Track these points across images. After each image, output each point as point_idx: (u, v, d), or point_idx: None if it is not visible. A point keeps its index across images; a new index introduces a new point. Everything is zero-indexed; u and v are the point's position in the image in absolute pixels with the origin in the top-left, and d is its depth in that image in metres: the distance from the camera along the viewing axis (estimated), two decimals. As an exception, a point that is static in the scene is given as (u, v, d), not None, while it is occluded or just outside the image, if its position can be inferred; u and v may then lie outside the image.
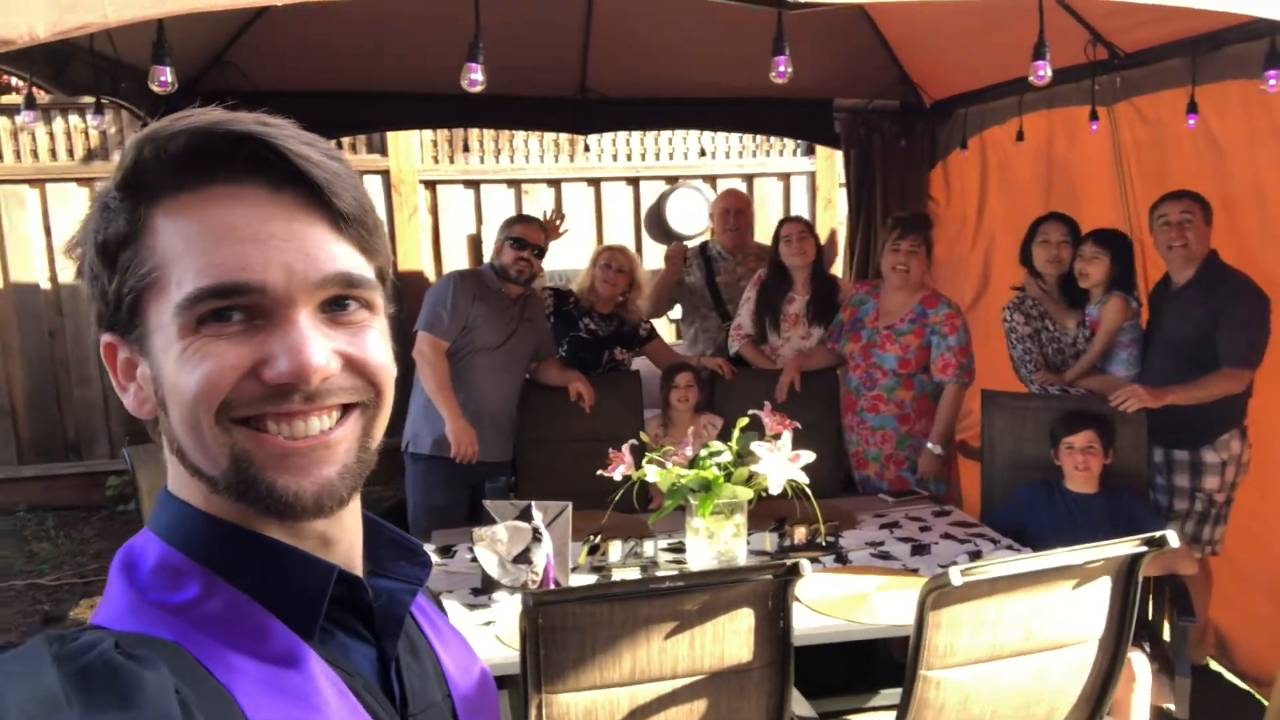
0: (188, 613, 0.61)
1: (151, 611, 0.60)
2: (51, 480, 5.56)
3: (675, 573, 2.51)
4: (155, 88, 2.10)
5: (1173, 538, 1.89)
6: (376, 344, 0.66)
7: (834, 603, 2.32)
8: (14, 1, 1.47)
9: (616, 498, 2.50)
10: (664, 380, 3.49)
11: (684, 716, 1.87)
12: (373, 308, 0.66)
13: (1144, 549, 1.93)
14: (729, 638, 1.86)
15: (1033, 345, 3.38)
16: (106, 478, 5.50)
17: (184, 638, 0.59)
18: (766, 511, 2.74)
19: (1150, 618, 2.82)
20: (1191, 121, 3.05)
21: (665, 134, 5.97)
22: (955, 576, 1.78)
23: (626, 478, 2.50)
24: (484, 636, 2.17)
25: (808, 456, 2.39)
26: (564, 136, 5.80)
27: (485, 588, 2.42)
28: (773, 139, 6.10)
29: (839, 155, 5.01)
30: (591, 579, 2.52)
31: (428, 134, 5.73)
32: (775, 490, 2.38)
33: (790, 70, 2.20)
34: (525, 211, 5.39)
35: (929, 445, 3.39)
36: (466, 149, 5.81)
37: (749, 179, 6.12)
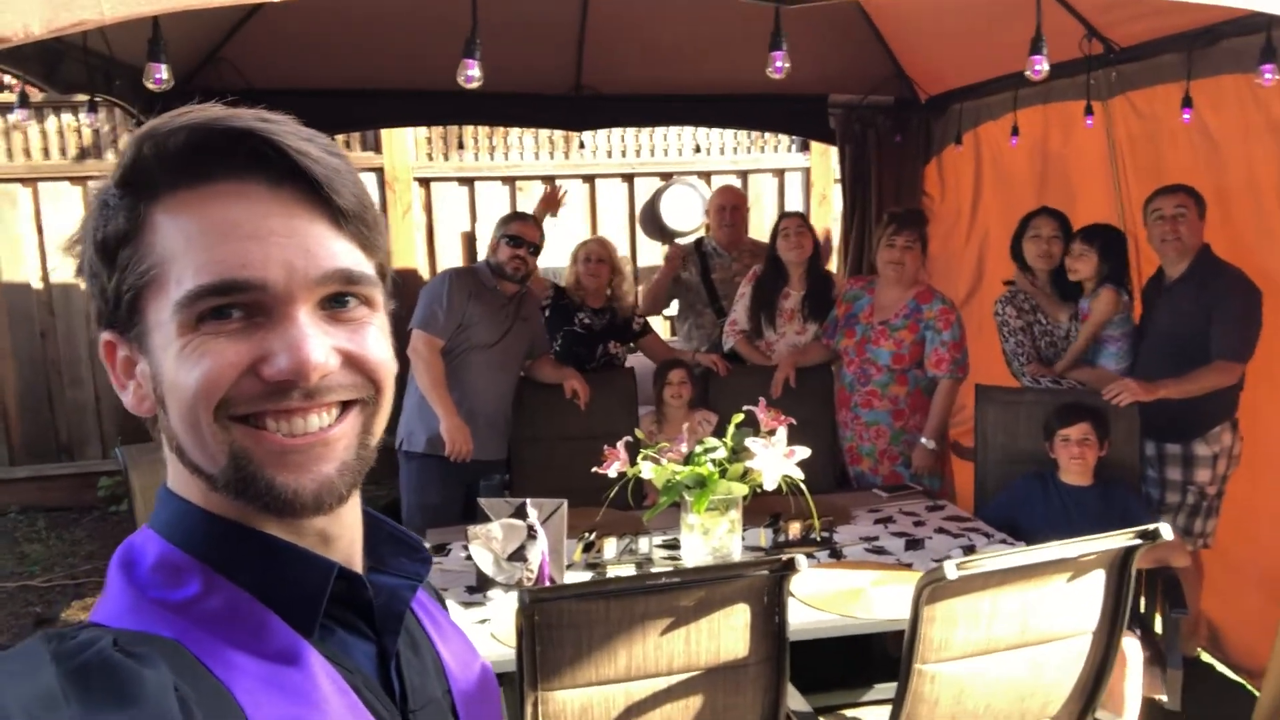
0: (187, 610, 0.61)
1: (151, 609, 0.61)
2: (43, 481, 5.53)
3: (671, 569, 2.51)
4: (151, 85, 2.10)
5: (1166, 530, 1.90)
6: (376, 341, 0.66)
7: (829, 598, 2.33)
8: (8, -1, 1.46)
9: (611, 495, 2.51)
10: (657, 377, 3.49)
11: (680, 712, 1.88)
12: (373, 304, 0.66)
13: (1138, 542, 1.94)
14: (725, 633, 1.86)
15: (1025, 339, 3.39)
16: (98, 478, 5.47)
17: (183, 635, 0.59)
18: (761, 507, 2.74)
19: (1142, 610, 2.84)
20: (1186, 116, 3.06)
21: (660, 130, 5.97)
22: (950, 570, 1.78)
23: (622, 474, 2.50)
24: (479, 634, 2.17)
25: (803, 452, 2.39)
26: (558, 133, 5.79)
27: (480, 586, 2.42)
28: (767, 135, 6.09)
29: (834, 151, 5.02)
30: (586, 576, 2.52)
31: (422, 131, 5.72)
32: (770, 486, 2.38)
33: (787, 66, 2.21)
34: (519, 209, 5.38)
35: (923, 440, 3.40)
36: (461, 146, 5.80)
37: (744, 175, 6.12)
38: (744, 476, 2.44)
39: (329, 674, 0.63)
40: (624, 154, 6.01)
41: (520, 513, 2.39)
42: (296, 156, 0.61)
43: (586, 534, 2.71)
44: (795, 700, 2.18)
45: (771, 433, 2.45)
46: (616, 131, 5.90)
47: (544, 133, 5.82)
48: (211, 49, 3.77)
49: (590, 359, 3.78)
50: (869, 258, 4.32)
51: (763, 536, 2.77)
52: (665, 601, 1.81)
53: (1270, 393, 3.01)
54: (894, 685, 1.97)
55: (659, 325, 5.17)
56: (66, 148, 5.44)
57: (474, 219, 5.82)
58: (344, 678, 0.64)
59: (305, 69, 3.93)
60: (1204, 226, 3.02)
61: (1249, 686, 3.15)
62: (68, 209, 5.44)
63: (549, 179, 5.89)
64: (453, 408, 3.23)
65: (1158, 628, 2.81)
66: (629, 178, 6.03)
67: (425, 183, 5.77)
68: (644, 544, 2.72)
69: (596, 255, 3.75)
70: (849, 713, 2.41)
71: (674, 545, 2.67)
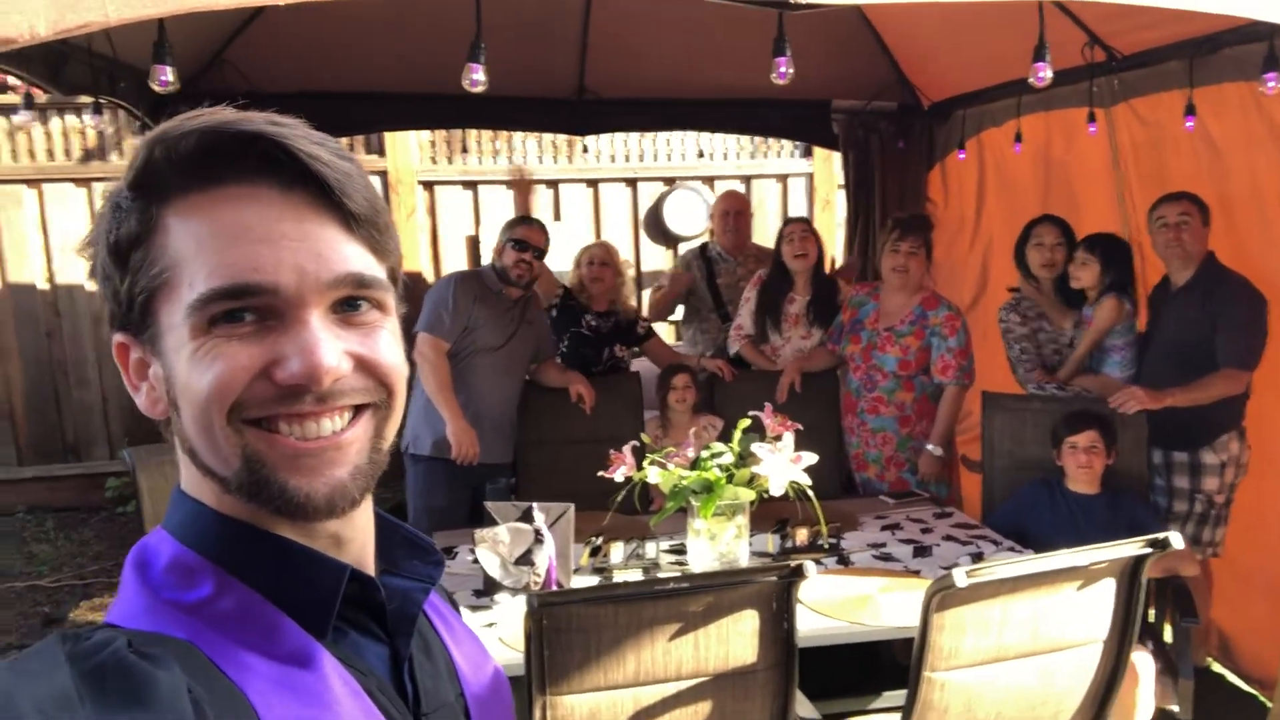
0: (200, 611, 0.61)
1: (165, 610, 0.60)
2: (51, 482, 5.54)
3: (679, 574, 2.50)
4: (156, 87, 2.10)
5: (1176, 539, 1.89)
6: (388, 344, 0.66)
7: (837, 604, 2.32)
8: (14, 0, 1.46)
9: (618, 499, 2.50)
10: (661, 381, 3.49)
11: (689, 718, 1.87)
12: (384, 308, 0.66)
13: (1148, 550, 1.93)
14: (733, 639, 1.85)
15: (1029, 346, 3.38)
16: (106, 479, 5.48)
17: (197, 636, 0.59)
18: (768, 513, 2.73)
19: (1152, 620, 2.83)
20: (1189, 124, 3.06)
21: (663, 135, 5.97)
22: (960, 578, 1.77)
23: (628, 479, 2.49)
24: (487, 638, 2.16)
25: (810, 458, 2.38)
26: (562, 137, 5.80)
27: (487, 589, 2.41)
28: (771, 140, 6.10)
29: (837, 157, 5.01)
30: (593, 581, 2.52)
31: (426, 135, 5.73)
32: (777, 492, 2.37)
33: (791, 71, 2.20)
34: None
35: (929, 447, 3.39)
36: (465, 150, 5.80)
37: (747, 180, 6.12)
38: (751, 482, 2.44)
39: (341, 676, 0.63)
40: (628, 158, 6.02)
41: (527, 516, 2.38)
42: (308, 160, 0.61)
43: (593, 538, 2.70)
44: (804, 707, 2.17)
45: (778, 438, 2.44)
46: (620, 136, 5.90)
47: (548, 137, 5.82)
48: (215, 52, 3.78)
49: (597, 361, 3.78)
50: (873, 263, 4.32)
51: (770, 542, 2.76)
52: (674, 606, 1.80)
53: (1277, 401, 3.00)
54: (903, 693, 1.96)
55: (663, 330, 5.17)
56: (71, 149, 5.45)
57: (478, 223, 5.82)
58: (356, 680, 0.64)
59: (309, 72, 3.93)
60: (1208, 234, 3.01)
61: (1261, 697, 3.14)
62: (72, 210, 5.45)
63: (552, 183, 5.90)
64: (459, 411, 3.22)
65: (1168, 637, 2.80)
66: (632, 182, 6.03)
67: (429, 186, 5.77)
68: (650, 549, 2.71)
69: (600, 259, 3.75)
70: (856, 720, 2.40)
71: (680, 550, 2.67)
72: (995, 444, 3.31)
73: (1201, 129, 3.09)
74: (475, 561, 2.40)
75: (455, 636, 0.78)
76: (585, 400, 3.52)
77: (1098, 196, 3.71)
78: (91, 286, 5.37)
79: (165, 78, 2.12)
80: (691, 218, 5.93)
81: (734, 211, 4.26)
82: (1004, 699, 1.97)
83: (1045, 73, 2.29)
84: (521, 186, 4.17)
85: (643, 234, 6.06)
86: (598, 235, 5.85)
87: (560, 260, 4.33)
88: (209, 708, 0.54)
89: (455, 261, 5.75)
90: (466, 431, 3.21)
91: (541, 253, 3.41)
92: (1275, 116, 2.85)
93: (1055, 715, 2.05)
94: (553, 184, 5.93)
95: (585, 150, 5.75)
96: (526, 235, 3.38)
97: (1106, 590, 1.98)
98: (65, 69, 3.02)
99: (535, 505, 2.41)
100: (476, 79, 2.26)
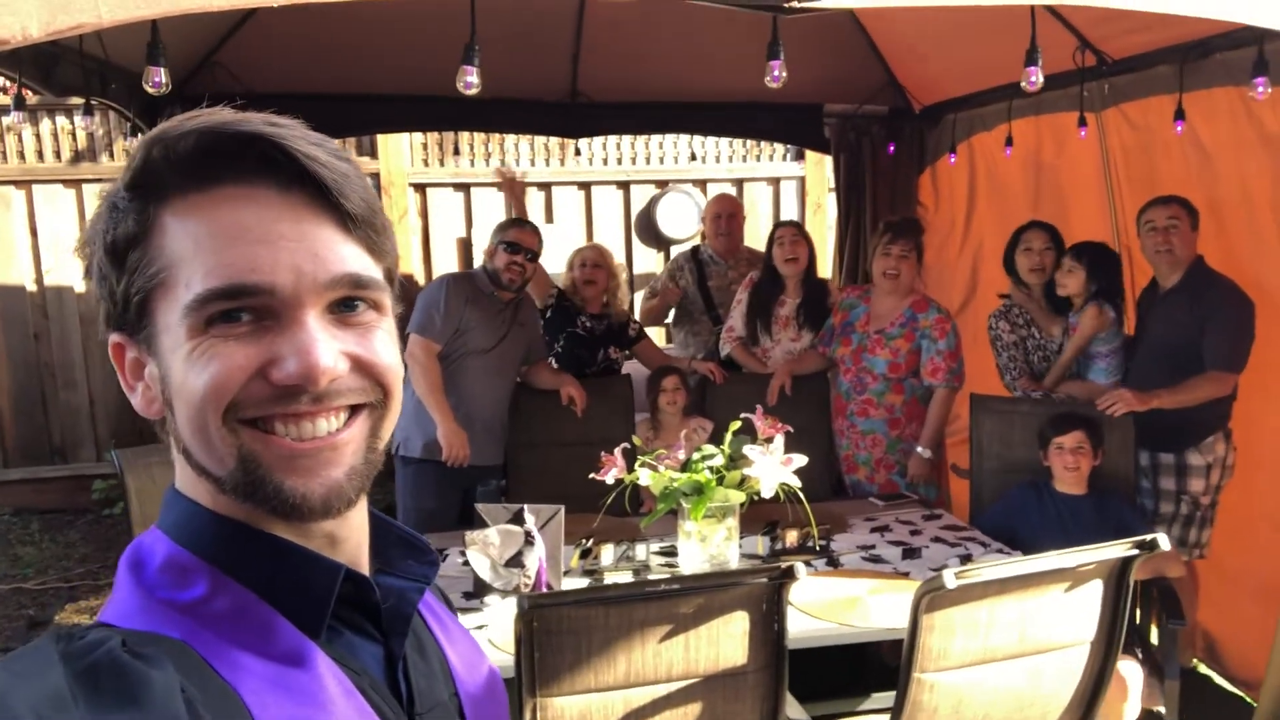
0: (195, 611, 0.61)
1: (159, 609, 0.60)
2: (37, 484, 5.52)
3: (669, 575, 2.51)
4: (149, 88, 2.09)
5: (1163, 541, 1.90)
6: (385, 345, 0.66)
7: (826, 606, 2.33)
8: (7, 1, 1.46)
9: (609, 501, 2.50)
10: (651, 383, 3.50)
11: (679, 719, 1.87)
12: (381, 309, 0.67)
13: (1135, 552, 1.94)
14: (724, 641, 1.86)
15: (1018, 353, 3.41)
16: (92, 481, 5.45)
17: (191, 636, 0.59)
18: (758, 515, 2.74)
19: (1139, 621, 2.84)
20: (1179, 128, 3.08)
21: (655, 138, 5.99)
22: (949, 579, 1.78)
23: (619, 481, 2.49)
24: (477, 640, 2.16)
25: (800, 460, 2.39)
26: (554, 140, 5.80)
27: (477, 591, 2.41)
28: (763, 144, 6.11)
29: (829, 160, 5.03)
30: (583, 583, 2.52)
31: (418, 137, 5.72)
32: (767, 494, 2.38)
33: (784, 74, 2.21)
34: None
35: (918, 449, 3.41)
36: (457, 152, 5.80)
37: (739, 183, 6.14)
38: (741, 484, 2.44)
39: (336, 675, 0.63)
40: (620, 161, 6.02)
41: (518, 518, 2.38)
42: (305, 161, 0.61)
43: (583, 540, 2.70)
44: (794, 709, 2.18)
45: (769, 440, 2.45)
46: (613, 139, 5.91)
47: (540, 140, 5.83)
48: (207, 53, 3.77)
49: (591, 362, 3.78)
50: (864, 267, 4.34)
51: (760, 544, 2.77)
52: (665, 608, 1.80)
53: (1263, 403, 3.03)
54: (892, 694, 1.97)
55: (654, 332, 5.18)
56: (61, 151, 5.43)
57: (469, 225, 5.82)
58: (351, 679, 0.64)
59: (300, 73, 3.92)
60: (1197, 238, 3.03)
61: (1247, 698, 3.16)
62: (62, 212, 5.43)
63: (545, 185, 5.90)
64: (450, 413, 3.22)
65: (1154, 639, 2.81)
66: (625, 185, 6.04)
67: (421, 188, 5.77)
68: (641, 550, 2.72)
69: (593, 261, 3.76)
70: (845, 721, 2.41)
71: (671, 552, 2.67)
72: (983, 446, 3.33)
73: (1191, 133, 3.12)
74: (466, 563, 2.40)
75: (450, 636, 0.79)
76: (576, 402, 3.52)
77: (1088, 200, 3.73)
78: (80, 289, 5.36)
79: (159, 79, 2.11)
80: (683, 220, 5.94)
81: (726, 214, 4.27)
82: (992, 700, 1.98)
83: (1037, 77, 2.31)
84: (508, 187, 4.17)
85: (635, 237, 6.07)
86: (590, 238, 5.86)
87: (551, 262, 4.34)
88: (203, 708, 0.54)
89: (447, 264, 5.75)
90: (457, 434, 3.21)
91: (534, 255, 3.42)
92: (1265, 121, 2.87)
93: (1043, 716, 2.06)
94: (545, 187, 5.93)
95: (578, 153, 5.75)
96: (519, 238, 3.38)
97: (1094, 592, 2.00)
98: (57, 70, 3.01)
99: (526, 507, 2.41)
100: (470, 82, 2.26)
